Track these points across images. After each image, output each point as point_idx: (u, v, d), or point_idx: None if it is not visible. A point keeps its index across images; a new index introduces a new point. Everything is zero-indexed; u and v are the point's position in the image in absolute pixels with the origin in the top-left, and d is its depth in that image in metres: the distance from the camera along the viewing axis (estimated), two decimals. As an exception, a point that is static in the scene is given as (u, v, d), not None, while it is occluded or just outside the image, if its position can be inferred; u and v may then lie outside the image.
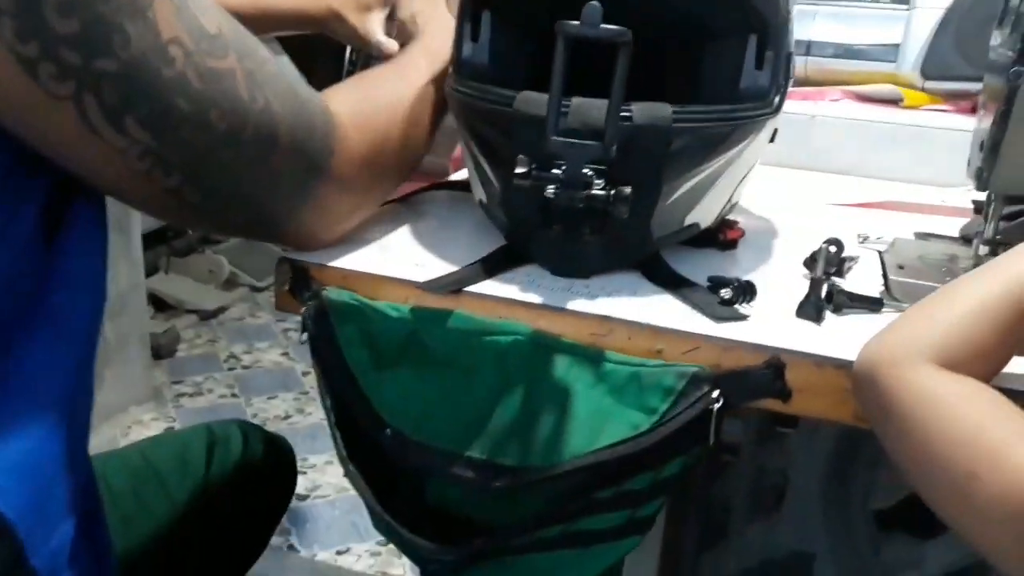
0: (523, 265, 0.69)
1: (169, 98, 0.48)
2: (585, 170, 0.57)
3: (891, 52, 1.15)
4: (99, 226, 0.54)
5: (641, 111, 0.62)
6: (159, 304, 2.66)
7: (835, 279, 0.71)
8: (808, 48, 1.19)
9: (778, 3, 0.69)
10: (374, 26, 0.87)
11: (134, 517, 0.79)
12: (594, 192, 0.58)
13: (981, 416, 0.44)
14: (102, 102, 0.46)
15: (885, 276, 0.73)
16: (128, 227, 1.99)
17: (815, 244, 0.73)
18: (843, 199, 0.99)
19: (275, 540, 1.01)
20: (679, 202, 0.67)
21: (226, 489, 0.87)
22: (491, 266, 0.67)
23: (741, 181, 0.74)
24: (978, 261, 0.73)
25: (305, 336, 0.67)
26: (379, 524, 0.65)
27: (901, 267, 0.75)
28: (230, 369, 2.48)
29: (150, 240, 2.87)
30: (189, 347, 2.58)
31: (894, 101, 1.15)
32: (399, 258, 0.70)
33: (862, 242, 0.82)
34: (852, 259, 0.75)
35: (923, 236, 0.85)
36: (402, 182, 0.75)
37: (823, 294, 0.63)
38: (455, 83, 0.71)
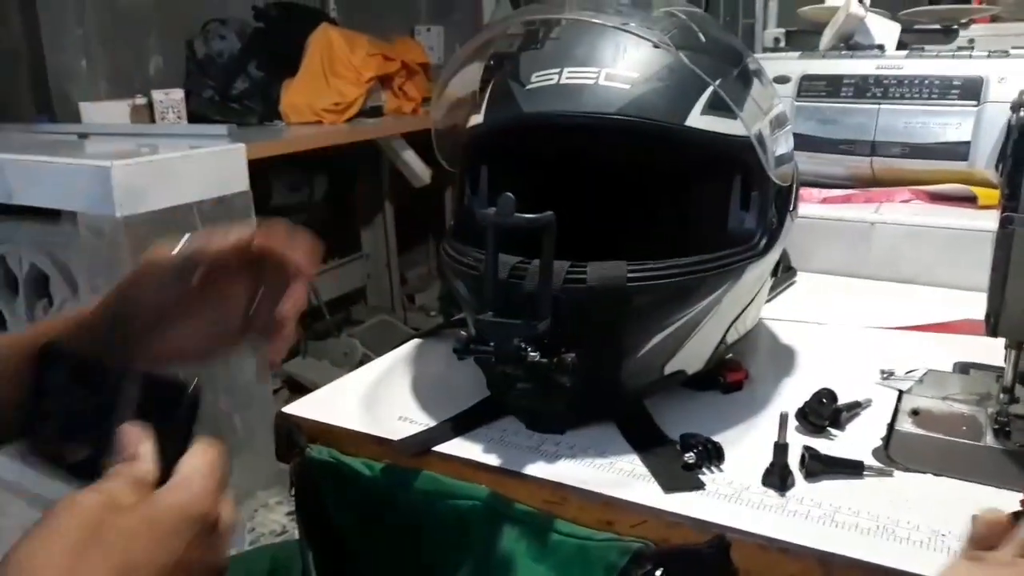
0: (505, 416, 0.70)
1: None
2: (520, 342, 0.57)
3: (962, 149, 1.08)
4: None
5: (594, 272, 0.62)
6: (295, 386, 2.83)
7: (831, 431, 0.67)
8: (873, 148, 1.14)
9: (752, 145, 0.67)
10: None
11: None
12: (532, 362, 0.58)
13: None
14: None
15: (890, 427, 0.68)
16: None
17: (830, 383, 0.70)
18: (900, 315, 0.93)
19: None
20: (653, 353, 0.66)
21: None
22: (465, 422, 0.69)
23: (735, 321, 0.72)
24: (1002, 409, 0.67)
25: (292, 491, 0.70)
26: None
27: (916, 413, 0.70)
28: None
29: (291, 324, 3.08)
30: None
31: (968, 199, 1.08)
32: (387, 412, 0.72)
33: (885, 379, 0.76)
34: (861, 405, 0.70)
35: (964, 367, 0.79)
36: None
37: (787, 460, 0.60)
38: (446, 243, 0.73)
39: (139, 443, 0.45)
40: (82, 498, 0.41)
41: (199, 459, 0.45)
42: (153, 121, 2.46)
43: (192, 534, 0.42)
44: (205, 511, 0.43)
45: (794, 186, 0.76)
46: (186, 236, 0.55)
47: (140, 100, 2.46)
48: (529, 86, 0.68)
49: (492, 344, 0.57)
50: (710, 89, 0.65)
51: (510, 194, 0.55)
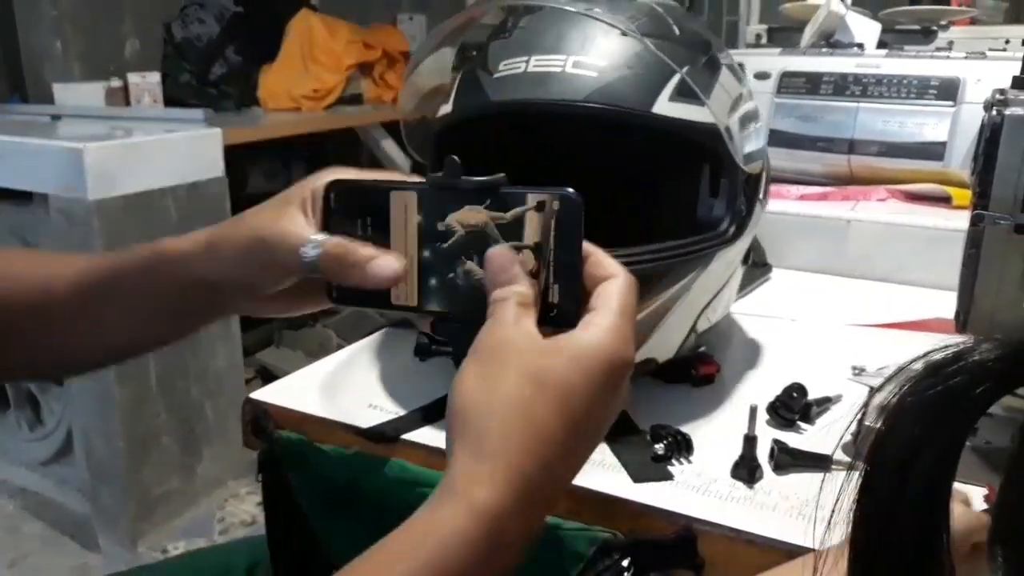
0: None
1: None
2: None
3: (938, 149, 1.08)
4: None
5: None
6: (268, 377, 2.80)
7: (800, 425, 0.67)
8: (851, 146, 1.14)
9: (720, 132, 0.67)
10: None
11: None
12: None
13: None
14: None
15: (860, 422, 0.68)
16: (229, 310, 2.12)
17: (801, 379, 0.70)
18: (874, 312, 0.94)
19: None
20: (625, 345, 0.66)
21: None
22: (434, 411, 0.68)
23: (705, 309, 0.72)
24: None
25: (259, 477, 0.69)
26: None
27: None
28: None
29: (267, 314, 3.06)
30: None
31: (943, 200, 1.08)
32: (356, 399, 0.71)
33: (857, 375, 0.77)
34: (831, 400, 0.70)
35: (934, 365, 0.79)
36: None
37: (756, 452, 0.60)
38: None
39: (511, 265, 0.43)
40: (508, 337, 0.39)
41: (614, 296, 0.41)
42: (128, 104, 2.43)
43: (617, 382, 0.39)
44: (630, 358, 0.40)
45: (764, 175, 0.76)
46: (317, 240, 0.48)
47: (115, 83, 2.42)
48: (497, 74, 0.67)
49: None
50: (677, 76, 0.65)
51: (455, 156, 0.53)
